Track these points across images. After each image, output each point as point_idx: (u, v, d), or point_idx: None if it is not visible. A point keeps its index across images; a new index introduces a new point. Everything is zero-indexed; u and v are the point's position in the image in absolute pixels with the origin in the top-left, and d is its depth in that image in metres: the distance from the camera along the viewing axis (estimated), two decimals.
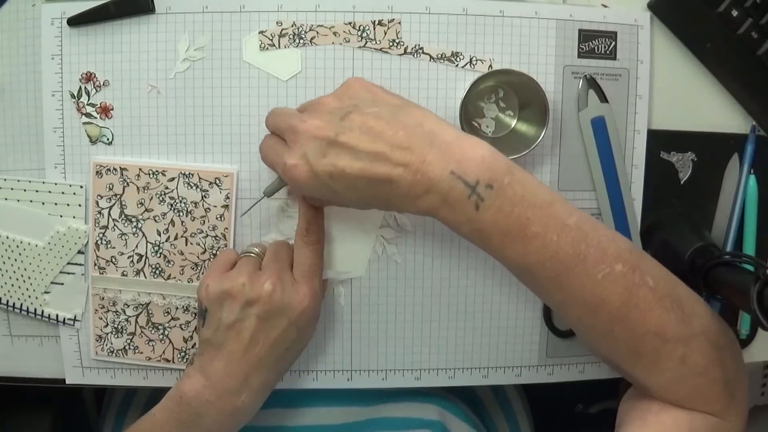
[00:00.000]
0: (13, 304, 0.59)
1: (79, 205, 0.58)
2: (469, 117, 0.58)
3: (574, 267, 0.44)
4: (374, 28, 0.58)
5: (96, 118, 0.58)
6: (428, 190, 0.43)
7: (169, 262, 0.58)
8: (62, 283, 0.59)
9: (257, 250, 0.57)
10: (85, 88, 0.57)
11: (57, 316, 0.59)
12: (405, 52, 0.58)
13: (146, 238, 0.58)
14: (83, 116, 0.58)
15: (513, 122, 0.58)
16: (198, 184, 0.58)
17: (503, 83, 0.57)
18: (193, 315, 0.59)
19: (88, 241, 0.58)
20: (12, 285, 0.59)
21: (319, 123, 0.45)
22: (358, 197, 0.46)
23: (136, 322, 0.59)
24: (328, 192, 0.46)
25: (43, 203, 0.58)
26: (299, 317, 0.52)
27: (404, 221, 0.60)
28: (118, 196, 0.58)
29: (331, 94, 0.48)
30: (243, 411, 0.53)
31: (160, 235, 0.58)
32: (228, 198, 0.58)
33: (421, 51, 0.58)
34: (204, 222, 0.58)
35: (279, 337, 0.52)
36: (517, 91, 0.58)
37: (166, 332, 0.59)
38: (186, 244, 0.58)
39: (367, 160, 0.44)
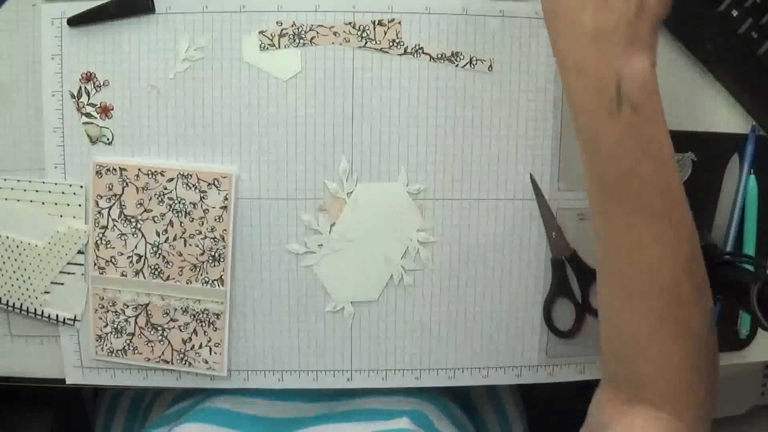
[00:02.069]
0: (13, 304, 0.59)
1: (79, 205, 0.58)
2: None
3: None
4: (374, 28, 0.58)
5: (96, 118, 0.58)
6: None
7: (168, 263, 0.58)
8: (62, 283, 0.59)
9: None
10: (85, 88, 0.57)
11: (57, 316, 0.59)
12: (405, 52, 0.58)
13: (145, 238, 0.58)
14: (83, 116, 0.58)
15: None
16: (196, 184, 0.57)
17: None
18: (192, 317, 0.59)
19: (88, 241, 0.58)
20: (12, 285, 0.59)
21: None
22: None
23: (136, 322, 0.59)
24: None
25: (43, 203, 0.58)
26: None
27: (426, 255, 0.60)
28: (118, 197, 0.58)
29: None
30: None
31: (159, 235, 0.58)
32: (227, 199, 0.58)
33: (421, 51, 0.58)
34: (202, 223, 0.58)
35: None
36: None
37: (165, 333, 0.59)
38: (185, 245, 0.58)
39: None
